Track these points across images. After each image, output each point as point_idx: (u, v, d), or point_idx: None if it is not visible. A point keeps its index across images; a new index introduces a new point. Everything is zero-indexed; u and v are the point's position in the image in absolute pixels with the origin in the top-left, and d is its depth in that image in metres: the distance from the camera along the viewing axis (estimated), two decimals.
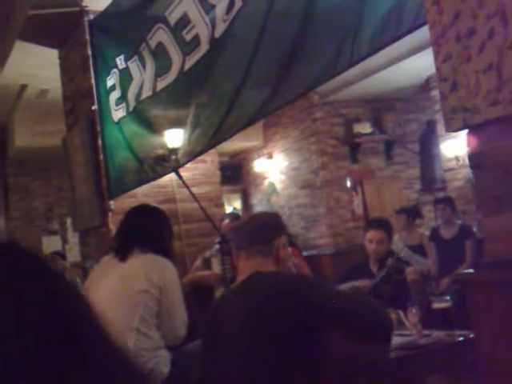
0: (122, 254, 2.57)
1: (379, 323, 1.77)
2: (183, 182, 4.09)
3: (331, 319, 1.70)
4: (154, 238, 2.62)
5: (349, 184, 7.29)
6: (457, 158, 6.94)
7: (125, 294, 2.45)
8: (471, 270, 1.51)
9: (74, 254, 6.81)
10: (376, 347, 1.94)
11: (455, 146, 6.80)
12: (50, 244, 7.55)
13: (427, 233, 5.83)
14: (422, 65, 5.81)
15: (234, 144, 7.83)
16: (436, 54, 1.63)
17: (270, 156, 8.17)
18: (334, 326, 1.71)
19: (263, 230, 1.94)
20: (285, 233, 2.00)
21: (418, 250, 5.65)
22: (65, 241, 7.76)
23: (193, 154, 3.37)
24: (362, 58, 2.11)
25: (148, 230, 2.64)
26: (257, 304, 1.73)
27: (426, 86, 6.97)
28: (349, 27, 2.13)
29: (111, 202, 4.22)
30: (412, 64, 6.04)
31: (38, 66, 5.41)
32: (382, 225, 3.46)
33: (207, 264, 3.98)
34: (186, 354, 2.58)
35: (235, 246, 2.02)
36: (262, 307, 1.71)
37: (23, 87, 6.16)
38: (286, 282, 1.79)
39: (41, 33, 4.73)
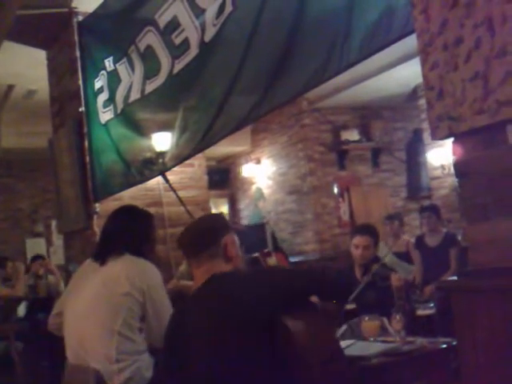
0: (102, 258, 2.54)
1: (339, 280, 1.83)
2: (170, 185, 4.08)
3: (295, 296, 1.74)
4: (138, 240, 2.58)
5: (336, 190, 7.33)
6: (443, 167, 7.00)
7: (107, 298, 2.42)
8: (455, 278, 1.51)
9: (58, 256, 6.77)
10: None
11: (441, 155, 6.86)
12: (34, 246, 7.48)
13: (413, 240, 5.86)
14: (409, 74, 5.86)
15: (222, 149, 7.83)
16: (423, 62, 1.64)
17: (258, 161, 8.18)
18: (297, 299, 1.74)
19: (205, 233, 1.91)
20: (229, 230, 1.96)
21: (404, 257, 5.67)
22: (49, 243, 7.71)
23: (180, 158, 3.36)
24: (351, 65, 2.12)
25: (132, 232, 2.59)
26: (221, 305, 1.73)
27: (413, 94, 7.04)
28: (338, 33, 2.15)
29: (97, 205, 4.19)
30: (400, 73, 6.10)
31: (25, 66, 5.38)
32: (369, 231, 3.48)
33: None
34: None
35: (183, 254, 2.01)
36: (227, 307, 1.71)
37: (10, 87, 6.11)
38: (243, 278, 1.83)
39: (29, 33, 4.71)
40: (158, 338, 2.49)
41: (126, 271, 2.46)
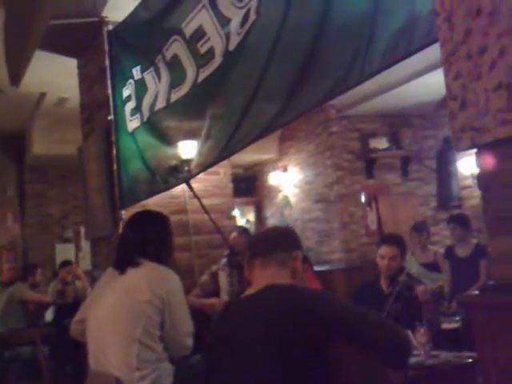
0: (121, 267, 2.55)
1: (397, 347, 1.71)
2: (194, 193, 4.10)
3: (346, 338, 1.67)
4: (154, 245, 2.58)
5: (363, 199, 7.24)
6: (473, 176, 6.87)
7: (128, 305, 2.43)
8: (476, 292, 1.47)
9: (87, 262, 6.86)
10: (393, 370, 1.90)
11: (472, 164, 6.73)
12: (64, 252, 7.59)
13: (441, 251, 5.75)
14: (440, 81, 5.69)
15: (248, 156, 7.84)
16: (446, 72, 1.62)
17: (285, 169, 8.16)
18: (349, 343, 1.68)
19: (284, 238, 1.93)
20: (301, 248, 1.98)
21: (432, 267, 5.57)
22: (78, 249, 7.81)
23: (204, 166, 3.37)
24: (374, 73, 2.09)
25: (147, 237, 2.60)
26: (271, 316, 1.70)
27: (444, 102, 6.90)
28: (362, 42, 2.12)
29: (123, 212, 4.23)
30: (430, 80, 6.00)
31: (57, 75, 5.49)
32: (396, 241, 3.41)
33: (214, 278, 3.97)
34: (189, 367, 2.55)
35: (250, 255, 1.96)
36: (276, 320, 1.68)
37: (42, 95, 6.24)
38: (302, 295, 1.75)
39: (61, 42, 4.79)
40: (175, 346, 2.49)
41: (147, 278, 2.47)
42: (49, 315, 6.52)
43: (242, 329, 1.76)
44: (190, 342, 2.54)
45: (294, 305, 1.69)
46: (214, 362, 1.89)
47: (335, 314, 1.67)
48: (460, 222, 5.40)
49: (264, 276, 1.83)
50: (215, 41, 2.95)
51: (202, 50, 3.07)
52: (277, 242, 1.90)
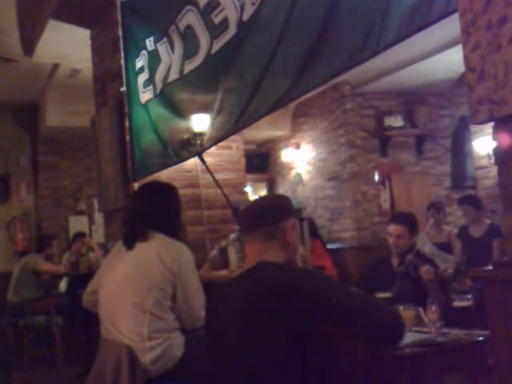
0: (129, 243, 2.53)
1: (388, 328, 1.68)
2: (206, 166, 4.08)
3: (336, 319, 1.63)
4: (167, 218, 2.57)
5: (377, 178, 7.19)
6: (489, 156, 6.79)
7: (139, 278, 2.43)
8: (489, 267, 1.45)
9: (100, 234, 6.91)
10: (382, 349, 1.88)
11: (488, 144, 6.65)
12: (77, 224, 7.65)
13: (455, 231, 5.73)
14: (458, 59, 5.59)
15: (261, 133, 7.80)
16: (465, 43, 1.57)
17: (298, 146, 8.11)
18: (338, 326, 1.64)
19: (268, 212, 1.81)
20: (293, 215, 1.85)
21: (445, 248, 5.55)
22: (92, 221, 7.86)
23: (216, 139, 3.34)
24: (389, 46, 2.04)
25: (158, 209, 2.58)
26: (257, 296, 1.66)
27: (461, 80, 6.81)
28: (376, 13, 2.06)
29: (135, 185, 4.23)
30: (448, 58, 5.90)
31: (70, 46, 5.46)
32: (403, 220, 3.41)
33: (224, 253, 3.97)
34: (199, 338, 2.57)
35: (241, 232, 1.93)
36: (262, 300, 1.64)
37: (55, 66, 6.22)
38: (289, 276, 1.67)
39: (74, 13, 4.76)
40: (188, 318, 2.51)
41: (158, 252, 2.47)
42: (62, 286, 6.61)
43: (234, 310, 1.73)
44: (202, 313, 2.54)
45: (279, 284, 1.63)
46: (210, 342, 1.88)
47: (323, 294, 1.62)
48: (472, 202, 5.38)
49: (253, 252, 1.77)
50: (229, 11, 2.89)
51: (216, 20, 3.01)
52: (262, 216, 1.80)
